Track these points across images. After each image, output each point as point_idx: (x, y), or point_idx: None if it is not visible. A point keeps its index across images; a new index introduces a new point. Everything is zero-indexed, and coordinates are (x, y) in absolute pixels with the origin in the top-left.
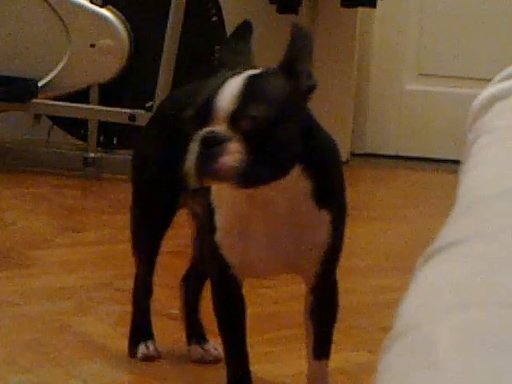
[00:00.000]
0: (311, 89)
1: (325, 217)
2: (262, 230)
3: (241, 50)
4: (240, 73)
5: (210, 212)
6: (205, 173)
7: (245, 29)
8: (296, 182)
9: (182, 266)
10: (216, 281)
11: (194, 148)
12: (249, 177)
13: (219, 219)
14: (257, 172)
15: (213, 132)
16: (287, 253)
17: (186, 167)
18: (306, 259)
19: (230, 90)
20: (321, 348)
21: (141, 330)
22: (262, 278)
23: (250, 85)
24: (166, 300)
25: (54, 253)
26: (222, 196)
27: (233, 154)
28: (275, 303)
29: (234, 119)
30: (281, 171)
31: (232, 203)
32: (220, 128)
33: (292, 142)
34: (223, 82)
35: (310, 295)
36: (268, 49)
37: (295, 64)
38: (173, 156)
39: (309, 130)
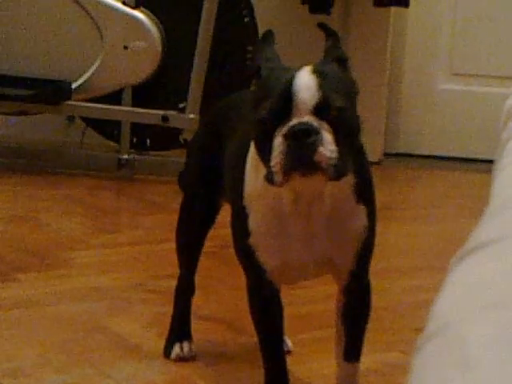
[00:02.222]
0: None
1: (362, 210)
2: (302, 229)
3: (273, 55)
4: (298, 68)
5: (242, 215)
6: (302, 165)
7: (269, 37)
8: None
9: (214, 267)
10: (252, 287)
11: (279, 143)
12: (340, 167)
13: (253, 222)
14: (345, 162)
15: (305, 123)
16: (325, 250)
17: (272, 163)
18: (342, 255)
19: (307, 82)
20: (352, 351)
21: (179, 330)
22: (296, 282)
23: (323, 76)
24: (199, 301)
25: (88, 254)
26: (256, 197)
27: (330, 144)
28: (308, 303)
29: (321, 110)
30: (355, 160)
31: (268, 204)
32: (308, 119)
33: (360, 130)
34: (291, 77)
35: (341, 297)
36: (300, 48)
37: (343, 56)
38: (216, 158)
39: None
